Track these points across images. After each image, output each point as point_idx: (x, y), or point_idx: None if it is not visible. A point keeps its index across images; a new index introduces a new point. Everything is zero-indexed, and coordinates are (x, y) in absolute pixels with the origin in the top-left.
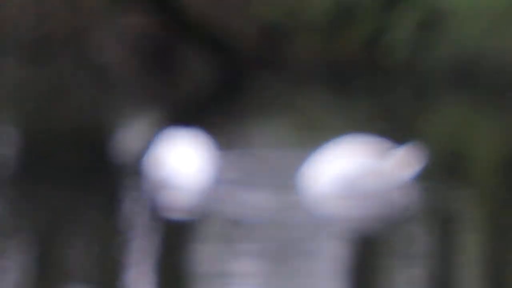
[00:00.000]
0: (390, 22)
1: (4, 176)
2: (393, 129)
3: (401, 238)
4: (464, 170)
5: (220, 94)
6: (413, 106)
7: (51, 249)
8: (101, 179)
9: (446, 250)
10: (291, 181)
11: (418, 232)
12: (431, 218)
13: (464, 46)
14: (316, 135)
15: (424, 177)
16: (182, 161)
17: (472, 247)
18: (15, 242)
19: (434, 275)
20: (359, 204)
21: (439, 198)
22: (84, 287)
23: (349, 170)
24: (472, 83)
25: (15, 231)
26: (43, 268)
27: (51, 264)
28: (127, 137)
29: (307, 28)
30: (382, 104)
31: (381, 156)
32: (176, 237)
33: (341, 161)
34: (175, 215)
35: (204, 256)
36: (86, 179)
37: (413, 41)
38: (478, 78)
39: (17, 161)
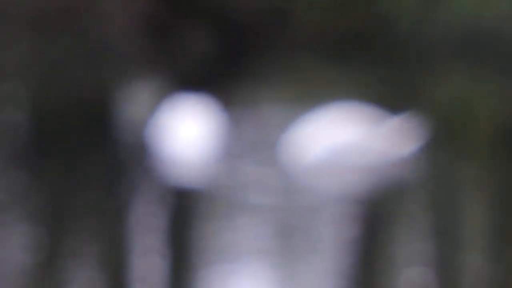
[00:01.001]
0: None
1: (9, 150)
2: (394, 97)
3: (401, 213)
4: (465, 139)
5: (223, 61)
6: (415, 76)
7: (57, 226)
8: (105, 151)
9: (448, 224)
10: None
11: (418, 207)
12: (432, 190)
13: (463, 15)
14: (317, 103)
15: (424, 148)
16: (188, 130)
17: (475, 219)
18: (19, 217)
19: (436, 250)
20: (350, 176)
21: (439, 169)
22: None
23: (339, 139)
24: (472, 52)
25: (20, 205)
26: (49, 246)
27: (57, 241)
28: (132, 105)
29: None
30: (383, 73)
31: (376, 124)
32: (182, 210)
33: (331, 129)
34: (181, 187)
35: (209, 231)
36: (90, 152)
37: (414, 11)
38: (478, 47)
39: (21, 134)
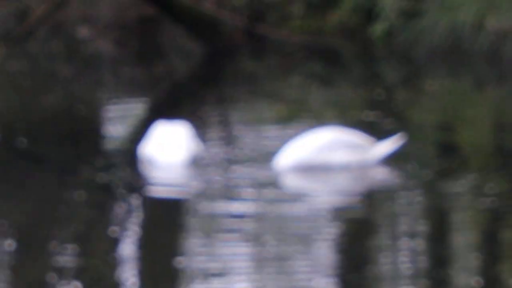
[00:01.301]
0: None
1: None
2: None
3: (383, 217)
4: (452, 142)
5: (207, 74)
6: (398, 77)
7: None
8: (91, 164)
9: (438, 228)
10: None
11: (402, 211)
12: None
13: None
14: (301, 113)
15: (409, 155)
16: (170, 145)
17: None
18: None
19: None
20: (329, 178)
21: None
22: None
23: (319, 142)
24: (457, 56)
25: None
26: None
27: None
28: (117, 122)
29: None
30: (368, 75)
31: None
32: (164, 215)
33: (313, 136)
34: (164, 195)
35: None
36: (77, 164)
37: (399, 13)
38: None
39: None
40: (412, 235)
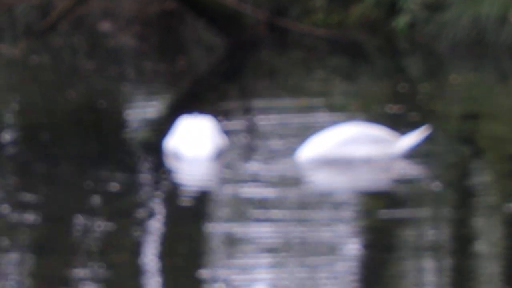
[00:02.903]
0: None
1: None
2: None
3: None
4: (477, 136)
5: (231, 68)
6: (422, 70)
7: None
8: (115, 158)
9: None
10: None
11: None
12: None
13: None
14: (324, 107)
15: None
16: (195, 139)
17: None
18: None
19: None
20: (353, 172)
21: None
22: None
23: (343, 136)
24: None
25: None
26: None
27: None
28: (140, 117)
29: None
30: (391, 68)
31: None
32: (188, 215)
33: (336, 130)
34: (189, 191)
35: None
36: (100, 159)
37: (422, 6)
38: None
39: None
40: (437, 233)
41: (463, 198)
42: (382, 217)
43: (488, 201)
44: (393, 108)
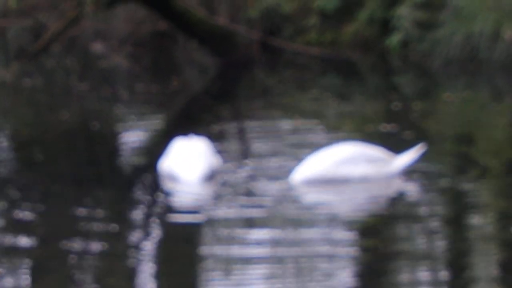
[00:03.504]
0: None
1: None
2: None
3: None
4: (472, 154)
5: (223, 88)
6: (415, 88)
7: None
8: (108, 180)
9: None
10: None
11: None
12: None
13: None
14: (318, 127)
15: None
16: (189, 160)
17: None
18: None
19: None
20: (349, 191)
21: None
22: None
23: (339, 156)
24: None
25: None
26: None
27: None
28: (133, 138)
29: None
30: (385, 86)
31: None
32: (182, 241)
33: (332, 150)
34: (183, 216)
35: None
36: (93, 180)
37: (415, 24)
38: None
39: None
40: (431, 249)
41: (458, 217)
42: (377, 237)
43: (483, 221)
44: (387, 127)
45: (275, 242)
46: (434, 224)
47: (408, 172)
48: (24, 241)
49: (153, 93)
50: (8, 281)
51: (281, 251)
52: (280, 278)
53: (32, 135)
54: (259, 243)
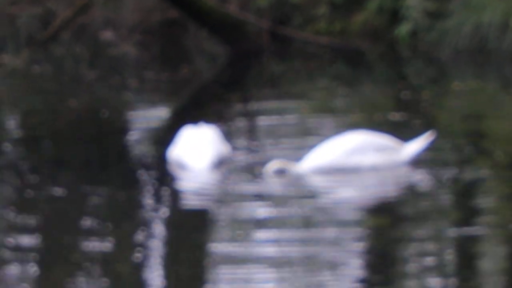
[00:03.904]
0: None
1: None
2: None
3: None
4: (480, 144)
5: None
6: (424, 77)
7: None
8: (118, 167)
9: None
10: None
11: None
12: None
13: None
14: (327, 115)
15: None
16: (198, 148)
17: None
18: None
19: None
20: (358, 180)
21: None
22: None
23: (349, 145)
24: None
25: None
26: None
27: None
28: (142, 126)
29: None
30: (394, 76)
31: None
32: (190, 228)
33: (342, 140)
34: (192, 202)
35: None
36: (103, 168)
37: (424, 14)
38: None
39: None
40: (439, 239)
41: (467, 212)
42: (387, 234)
43: (492, 218)
44: (396, 116)
45: (283, 236)
46: (441, 215)
47: (417, 162)
48: (29, 236)
49: (163, 81)
50: (16, 271)
51: (290, 246)
52: (288, 273)
53: (41, 123)
54: (266, 238)
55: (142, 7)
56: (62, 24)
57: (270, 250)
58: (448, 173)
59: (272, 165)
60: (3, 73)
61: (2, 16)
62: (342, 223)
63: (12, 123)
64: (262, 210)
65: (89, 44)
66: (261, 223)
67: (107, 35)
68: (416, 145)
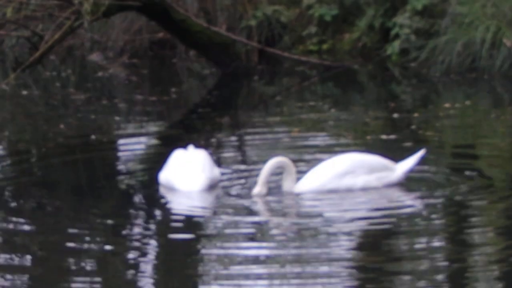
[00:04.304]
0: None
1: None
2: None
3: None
4: (473, 164)
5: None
6: (415, 96)
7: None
8: (108, 191)
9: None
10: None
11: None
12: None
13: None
14: (318, 136)
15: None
16: (188, 172)
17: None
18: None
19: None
20: (351, 201)
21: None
22: None
23: (341, 168)
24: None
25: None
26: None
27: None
28: (132, 149)
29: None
30: (385, 95)
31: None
32: (180, 256)
33: (333, 162)
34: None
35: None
36: (92, 192)
37: (415, 33)
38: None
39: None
40: (432, 255)
41: (459, 232)
42: (379, 254)
43: (482, 222)
44: (387, 136)
45: (275, 256)
46: (434, 235)
47: (409, 182)
48: (19, 254)
49: (152, 103)
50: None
51: (282, 256)
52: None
53: (29, 147)
54: (258, 255)
55: (130, 28)
56: (49, 47)
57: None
58: (440, 194)
59: (274, 161)
60: None
61: None
62: (333, 241)
63: (0, 146)
64: (253, 245)
65: (77, 67)
66: (252, 260)
67: (95, 57)
68: (407, 163)
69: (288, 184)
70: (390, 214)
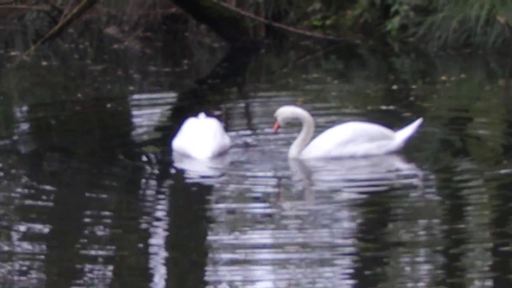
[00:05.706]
0: None
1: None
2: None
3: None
4: (469, 134)
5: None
6: (413, 70)
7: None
8: (122, 158)
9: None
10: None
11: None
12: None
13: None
14: (321, 106)
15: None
16: (200, 139)
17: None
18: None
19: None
20: (352, 168)
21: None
22: None
23: (343, 136)
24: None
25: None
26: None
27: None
28: (145, 118)
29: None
30: (385, 68)
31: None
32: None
33: (335, 131)
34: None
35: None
36: (107, 158)
37: (414, 9)
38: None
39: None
40: (430, 227)
41: (453, 202)
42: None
43: (476, 191)
44: (387, 107)
45: (282, 224)
46: (430, 203)
47: (407, 150)
48: (38, 224)
49: (165, 74)
50: (27, 246)
51: (288, 231)
52: (287, 258)
53: (48, 114)
54: (267, 223)
55: (144, 3)
56: (67, 21)
57: (269, 233)
58: (436, 164)
59: (285, 110)
60: (12, 67)
61: (11, 14)
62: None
63: (20, 114)
64: (261, 209)
65: (93, 40)
66: (260, 222)
67: (111, 30)
68: (406, 132)
69: (295, 151)
70: (389, 183)
